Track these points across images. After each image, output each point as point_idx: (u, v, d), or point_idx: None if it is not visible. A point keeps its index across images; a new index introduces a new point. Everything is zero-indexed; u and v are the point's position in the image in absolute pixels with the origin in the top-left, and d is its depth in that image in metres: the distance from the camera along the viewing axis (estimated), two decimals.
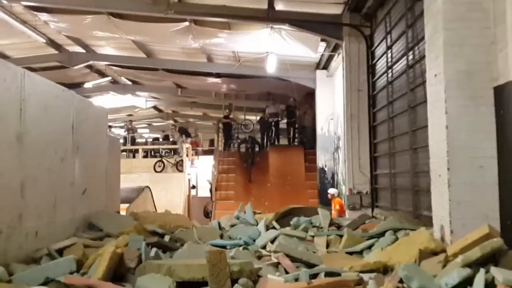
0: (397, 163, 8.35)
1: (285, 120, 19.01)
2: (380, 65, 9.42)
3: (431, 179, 5.36)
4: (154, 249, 5.28)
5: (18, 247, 5.22)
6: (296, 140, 19.57)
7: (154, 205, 15.17)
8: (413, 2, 7.12)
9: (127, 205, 11.81)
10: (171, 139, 23.79)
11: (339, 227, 7.26)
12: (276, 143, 19.30)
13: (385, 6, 8.93)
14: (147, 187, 15.42)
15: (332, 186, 12.95)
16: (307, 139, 18.37)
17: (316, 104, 14.95)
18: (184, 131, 23.69)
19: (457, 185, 4.84)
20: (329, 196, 11.56)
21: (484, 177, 4.82)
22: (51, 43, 14.16)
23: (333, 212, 10.72)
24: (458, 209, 4.81)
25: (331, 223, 7.33)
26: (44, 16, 11.64)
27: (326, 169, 14.48)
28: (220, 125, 20.53)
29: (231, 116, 20.71)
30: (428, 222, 5.73)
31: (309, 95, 16.71)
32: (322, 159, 14.69)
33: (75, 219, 6.74)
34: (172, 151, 22.69)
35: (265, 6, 10.20)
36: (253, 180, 17.23)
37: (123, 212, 9.83)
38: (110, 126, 25.99)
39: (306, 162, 17.37)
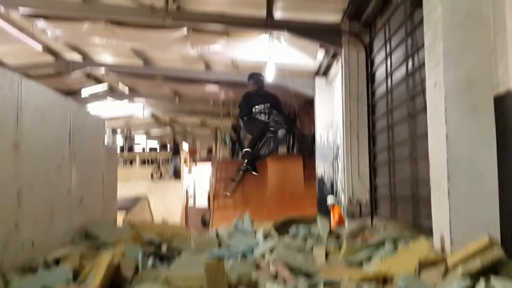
0: (397, 172, 8.31)
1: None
2: (380, 73, 9.41)
3: (431, 188, 5.32)
4: (151, 259, 5.23)
5: (14, 256, 5.16)
6: (295, 148, 19.53)
7: (151, 214, 15.14)
8: (413, 10, 7.11)
9: (124, 213, 11.76)
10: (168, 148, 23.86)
11: (338, 236, 7.22)
12: (274, 152, 19.24)
13: (384, 13, 8.93)
14: (145, 196, 15.39)
15: (332, 194, 12.88)
16: (306, 147, 18.32)
17: (315, 112, 14.90)
18: (175, 147, 23.73)
19: (457, 195, 4.80)
20: (328, 205, 11.51)
21: (485, 187, 4.78)
22: (48, 50, 14.13)
23: (332, 221, 10.67)
24: (458, 219, 4.76)
25: (330, 232, 7.29)
26: (41, 23, 11.61)
27: (325, 177, 14.41)
28: (231, 133, 20.46)
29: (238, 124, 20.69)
30: (428, 232, 5.68)
31: (308, 103, 16.68)
32: (321, 168, 14.62)
33: (71, 227, 6.68)
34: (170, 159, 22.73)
35: (264, 13, 10.19)
36: (250, 184, 17.10)
37: (120, 221, 9.78)
38: (114, 131, 26.10)
39: (305, 171, 17.30)
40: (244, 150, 9.00)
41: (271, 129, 8.69)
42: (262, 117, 8.55)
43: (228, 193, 11.34)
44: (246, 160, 9.06)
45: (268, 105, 8.50)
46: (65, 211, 6.51)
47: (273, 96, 8.89)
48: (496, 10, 4.72)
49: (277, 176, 17.23)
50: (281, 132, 8.74)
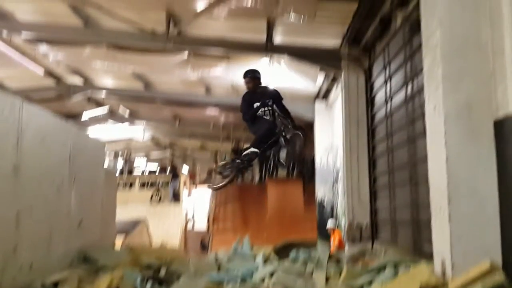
0: (397, 196, 8.28)
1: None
2: (379, 97, 9.44)
3: (432, 213, 5.29)
4: (149, 283, 5.18)
5: (12, 279, 5.12)
6: (295, 172, 19.50)
7: (150, 238, 15.04)
8: (412, 35, 7.18)
9: (122, 237, 11.69)
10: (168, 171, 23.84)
11: (338, 260, 7.16)
12: (274, 175, 19.20)
13: (383, 38, 9.01)
14: (143, 220, 15.31)
15: (332, 218, 12.82)
16: (306, 170, 18.30)
17: (315, 135, 14.92)
18: (173, 171, 23.70)
19: (458, 219, 4.76)
20: (328, 229, 11.44)
21: (485, 211, 4.75)
22: (50, 74, 14.22)
23: (332, 245, 10.60)
24: (459, 243, 4.72)
25: (331, 257, 7.23)
26: (43, 48, 11.72)
27: (325, 201, 14.36)
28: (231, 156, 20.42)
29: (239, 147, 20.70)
30: (429, 256, 5.63)
31: (308, 127, 16.71)
32: (321, 191, 14.58)
33: (70, 251, 6.64)
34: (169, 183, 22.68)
35: (264, 38, 10.30)
36: (249, 208, 17.03)
37: (118, 244, 9.71)
38: (116, 155, 26.09)
39: (305, 194, 17.25)
40: (252, 150, 7.94)
41: (283, 134, 7.99)
42: (267, 115, 8.04)
43: (213, 186, 9.52)
44: (247, 159, 8.28)
45: (270, 101, 8.03)
46: (64, 234, 6.48)
47: (273, 91, 8.44)
48: (494, 35, 4.76)
49: (277, 199, 17.18)
50: (294, 137, 8.02)
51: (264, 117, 7.89)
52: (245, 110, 8.04)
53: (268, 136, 7.88)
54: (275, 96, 8.12)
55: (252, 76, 8.16)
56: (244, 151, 8.13)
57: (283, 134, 7.78)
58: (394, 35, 8.29)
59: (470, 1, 4.95)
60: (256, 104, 7.88)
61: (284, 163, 8.23)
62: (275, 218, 16.47)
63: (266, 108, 7.81)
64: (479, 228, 4.72)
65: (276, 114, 7.85)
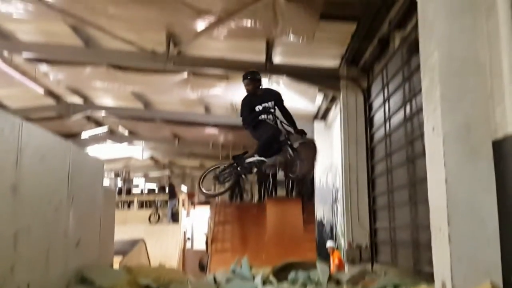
0: (397, 216, 8.25)
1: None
2: (378, 117, 9.47)
3: (432, 233, 5.26)
4: None
5: None
6: (294, 191, 19.46)
7: (148, 258, 14.93)
8: (410, 56, 7.23)
9: (120, 257, 11.61)
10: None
11: (338, 282, 7.11)
12: (273, 194, 19.16)
13: (382, 59, 9.08)
14: (142, 239, 15.21)
15: (331, 239, 12.77)
16: (305, 190, 18.26)
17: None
18: (171, 190, 23.62)
19: (458, 240, 4.73)
20: (328, 249, 11.37)
21: (486, 231, 4.72)
22: (50, 93, 14.27)
23: (332, 266, 10.52)
24: (460, 265, 4.68)
25: (330, 278, 7.18)
26: (43, 67, 11.78)
27: (324, 221, 14.29)
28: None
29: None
30: (429, 278, 5.60)
31: None
32: (321, 211, 14.53)
33: (67, 271, 6.58)
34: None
35: (263, 58, 10.36)
36: (248, 227, 16.93)
37: (116, 265, 9.64)
38: (116, 174, 25.99)
39: (304, 214, 17.19)
40: (258, 159, 7.39)
41: (288, 142, 7.25)
42: (270, 119, 7.32)
43: (208, 193, 9.22)
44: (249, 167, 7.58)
45: (272, 103, 7.40)
46: (62, 254, 6.43)
47: (274, 92, 7.76)
48: (492, 56, 4.78)
49: (276, 219, 17.11)
50: (303, 147, 7.31)
51: (267, 120, 7.32)
52: (245, 115, 7.46)
53: (272, 143, 7.34)
54: (277, 98, 7.63)
55: (252, 78, 7.56)
56: (246, 158, 7.59)
57: (289, 142, 7.31)
58: (392, 56, 8.35)
59: (468, 22, 4.98)
60: (258, 107, 7.35)
61: (295, 175, 7.79)
62: (274, 238, 16.38)
63: (267, 110, 7.26)
64: (480, 248, 4.69)
65: (279, 121, 7.36)
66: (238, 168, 7.57)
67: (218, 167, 7.87)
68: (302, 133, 7.37)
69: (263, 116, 7.27)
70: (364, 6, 8.21)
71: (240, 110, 7.53)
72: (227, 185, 7.75)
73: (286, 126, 7.30)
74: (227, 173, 7.63)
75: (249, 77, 7.54)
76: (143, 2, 8.40)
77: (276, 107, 7.45)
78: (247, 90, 7.58)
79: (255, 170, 7.98)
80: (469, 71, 4.93)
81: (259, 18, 8.55)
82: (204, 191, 8.27)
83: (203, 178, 7.92)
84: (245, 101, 7.54)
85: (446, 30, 5.03)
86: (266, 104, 7.31)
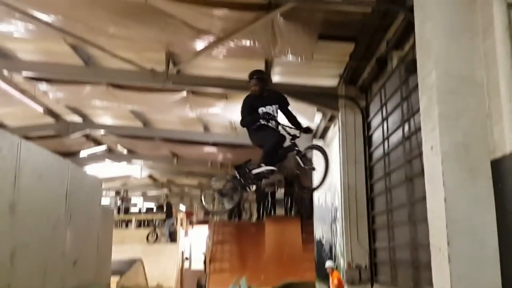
0: (396, 236, 8.21)
1: (282, 190, 18.87)
2: (377, 136, 9.48)
3: (431, 254, 5.23)
4: None
5: None
6: (293, 210, 19.38)
7: (146, 278, 14.80)
8: (408, 75, 7.26)
9: (118, 277, 11.51)
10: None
11: None
12: (272, 213, 19.08)
13: (380, 79, 9.12)
14: (139, 259, 15.10)
15: (330, 259, 12.69)
16: (304, 209, 18.19)
17: (313, 174, 14.86)
18: (168, 209, 23.54)
19: (458, 260, 4.71)
20: (327, 269, 11.27)
21: (485, 251, 4.70)
22: (49, 112, 14.29)
23: (331, 286, 10.43)
24: (460, 285, 4.65)
25: None
26: (43, 86, 11.81)
27: (323, 241, 14.20)
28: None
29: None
30: None
31: None
32: (320, 231, 14.45)
33: None
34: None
35: None
36: (247, 247, 16.80)
37: (113, 285, 9.55)
38: (117, 193, 25.88)
39: (303, 234, 17.10)
40: (267, 168, 6.74)
41: (295, 148, 6.65)
42: (273, 124, 6.73)
43: (215, 211, 8.36)
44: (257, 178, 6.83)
45: (276, 106, 6.75)
46: (59, 273, 6.38)
47: (279, 95, 7.12)
48: (489, 76, 4.81)
49: (275, 238, 17.02)
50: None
51: (269, 125, 6.74)
52: (244, 115, 6.90)
53: (277, 150, 6.73)
54: (282, 101, 7.05)
55: (260, 77, 6.90)
56: (252, 169, 6.94)
57: (296, 148, 6.73)
58: (390, 76, 8.39)
59: (465, 42, 5.02)
60: (262, 109, 6.74)
61: (309, 188, 7.25)
62: (273, 257, 16.27)
63: (271, 114, 6.69)
64: (479, 268, 4.67)
65: (280, 126, 6.80)
66: (242, 181, 6.98)
67: (222, 180, 7.38)
68: (308, 130, 6.90)
69: (265, 121, 6.72)
70: (362, 27, 8.28)
71: (240, 108, 7.00)
72: (233, 199, 7.11)
73: (289, 130, 6.80)
74: (231, 186, 7.05)
75: (255, 77, 6.93)
76: (143, 22, 8.45)
77: (279, 110, 6.93)
78: (253, 91, 6.96)
79: (263, 181, 7.33)
80: (466, 90, 4.95)
81: (258, 38, 8.61)
82: (206, 207, 7.63)
83: (205, 194, 7.39)
84: (247, 100, 7.03)
85: (443, 49, 5.07)
86: (270, 107, 6.81)
